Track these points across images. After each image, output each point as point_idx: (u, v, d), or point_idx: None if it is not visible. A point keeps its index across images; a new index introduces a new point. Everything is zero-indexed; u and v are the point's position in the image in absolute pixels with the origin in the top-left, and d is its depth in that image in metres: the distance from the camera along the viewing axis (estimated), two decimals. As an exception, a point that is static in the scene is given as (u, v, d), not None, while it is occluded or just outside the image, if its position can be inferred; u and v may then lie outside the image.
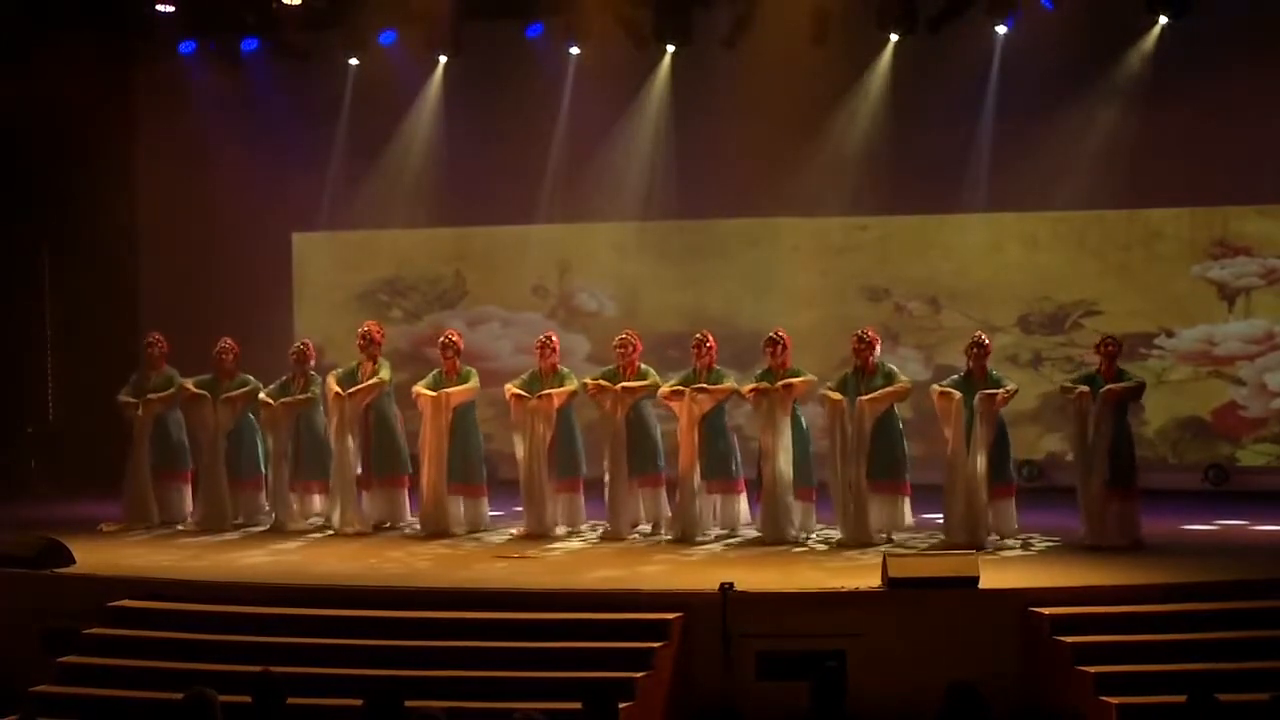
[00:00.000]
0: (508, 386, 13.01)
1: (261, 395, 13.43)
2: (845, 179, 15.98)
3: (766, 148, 15.69)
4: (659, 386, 12.69)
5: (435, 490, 12.92)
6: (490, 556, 11.94)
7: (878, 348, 12.49)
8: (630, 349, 12.81)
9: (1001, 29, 15.40)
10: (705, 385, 12.45)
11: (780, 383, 12.26)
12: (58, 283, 17.19)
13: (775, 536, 12.17)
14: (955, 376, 12.44)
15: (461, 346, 13.26)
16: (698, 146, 16.17)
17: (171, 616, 10.40)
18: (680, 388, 12.53)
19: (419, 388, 13.12)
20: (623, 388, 12.66)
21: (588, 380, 12.95)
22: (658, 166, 16.49)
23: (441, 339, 13.34)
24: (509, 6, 16.31)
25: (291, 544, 12.71)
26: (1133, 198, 15.65)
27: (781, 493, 12.19)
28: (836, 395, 12.19)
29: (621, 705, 8.46)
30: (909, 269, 16.34)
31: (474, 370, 13.29)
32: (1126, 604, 10.05)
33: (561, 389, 12.82)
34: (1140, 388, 12.38)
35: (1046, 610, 9.85)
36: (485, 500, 13.31)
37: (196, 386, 13.56)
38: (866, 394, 12.13)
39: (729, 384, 12.58)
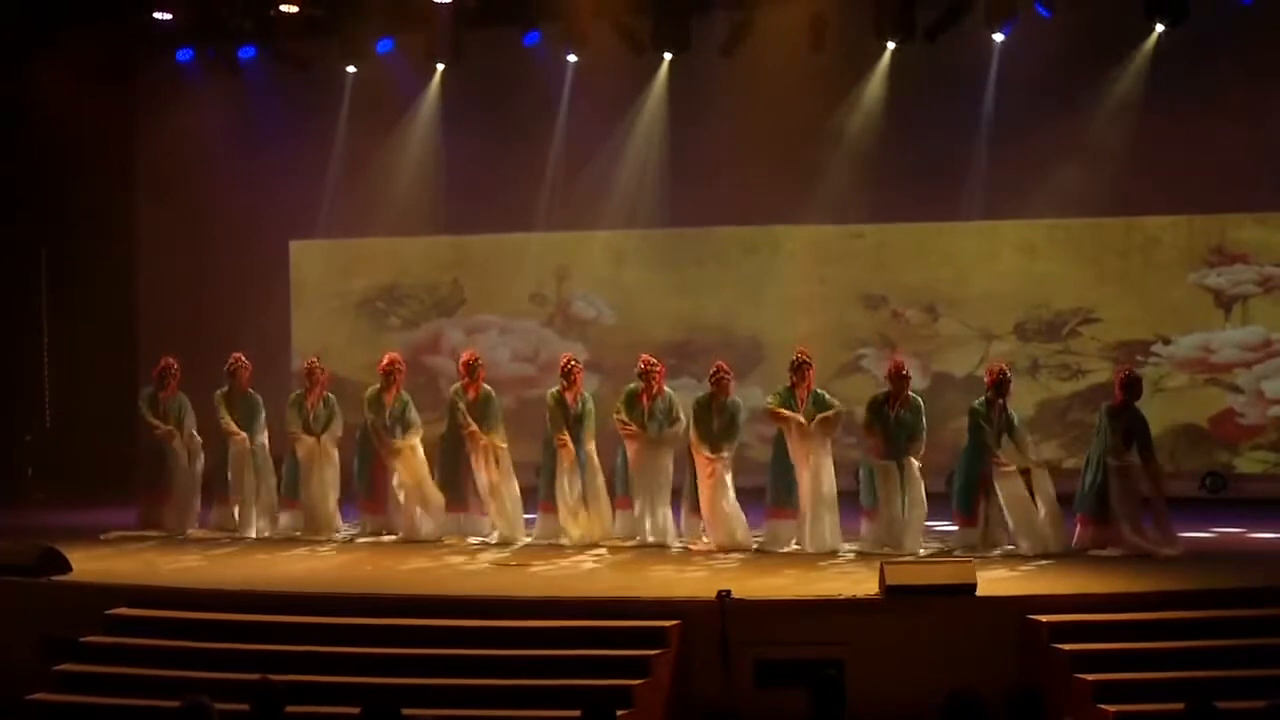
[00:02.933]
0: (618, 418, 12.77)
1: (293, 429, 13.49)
2: (842, 186, 15.99)
3: (764, 155, 15.70)
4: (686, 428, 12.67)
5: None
6: (491, 565, 11.95)
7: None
8: (655, 372, 12.79)
9: (998, 37, 15.41)
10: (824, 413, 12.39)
11: (819, 417, 12.26)
12: (55, 290, 17.21)
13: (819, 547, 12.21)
14: (981, 407, 12.37)
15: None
16: (695, 154, 16.19)
17: (169, 624, 10.39)
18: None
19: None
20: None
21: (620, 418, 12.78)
22: (655, 174, 16.52)
23: (469, 359, 13.32)
24: (507, 14, 16.30)
25: (296, 553, 12.70)
26: (1130, 205, 15.67)
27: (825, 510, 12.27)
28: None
29: (620, 713, 8.46)
30: (906, 276, 16.35)
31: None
32: (1124, 611, 10.04)
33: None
34: None
35: (1044, 618, 9.84)
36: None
37: (219, 399, 13.58)
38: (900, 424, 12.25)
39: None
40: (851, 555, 12.07)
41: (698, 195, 16.38)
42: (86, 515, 14.31)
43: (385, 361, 13.49)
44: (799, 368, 12.52)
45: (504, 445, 13.05)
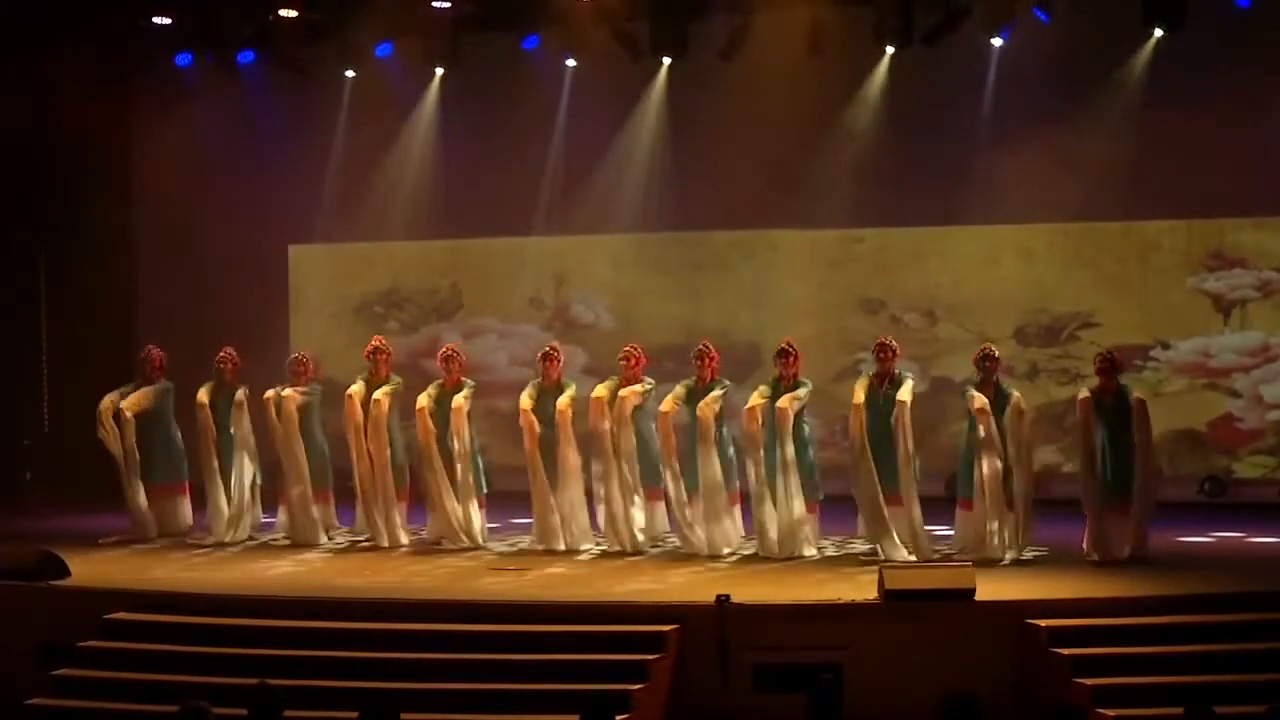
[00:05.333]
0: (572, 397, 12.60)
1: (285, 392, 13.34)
2: (842, 191, 15.99)
3: (763, 160, 15.72)
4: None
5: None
6: (487, 569, 11.94)
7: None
8: (633, 362, 12.74)
9: (997, 41, 15.42)
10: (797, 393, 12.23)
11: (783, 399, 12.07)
12: (54, 295, 17.21)
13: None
14: (972, 391, 12.30)
15: (464, 360, 13.27)
16: (694, 159, 16.20)
17: (167, 629, 10.39)
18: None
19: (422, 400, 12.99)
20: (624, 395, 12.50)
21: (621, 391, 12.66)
22: (654, 178, 16.52)
23: (446, 351, 13.28)
24: (506, 19, 16.32)
25: (294, 557, 12.69)
26: (1129, 209, 15.67)
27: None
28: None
29: (619, 717, 8.48)
30: (905, 281, 16.35)
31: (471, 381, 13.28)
32: (1124, 616, 10.04)
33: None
34: None
35: (1044, 622, 9.84)
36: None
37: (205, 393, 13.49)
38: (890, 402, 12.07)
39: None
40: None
41: (696, 199, 16.39)
42: (85, 520, 14.30)
43: (369, 347, 13.45)
44: (781, 354, 12.44)
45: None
